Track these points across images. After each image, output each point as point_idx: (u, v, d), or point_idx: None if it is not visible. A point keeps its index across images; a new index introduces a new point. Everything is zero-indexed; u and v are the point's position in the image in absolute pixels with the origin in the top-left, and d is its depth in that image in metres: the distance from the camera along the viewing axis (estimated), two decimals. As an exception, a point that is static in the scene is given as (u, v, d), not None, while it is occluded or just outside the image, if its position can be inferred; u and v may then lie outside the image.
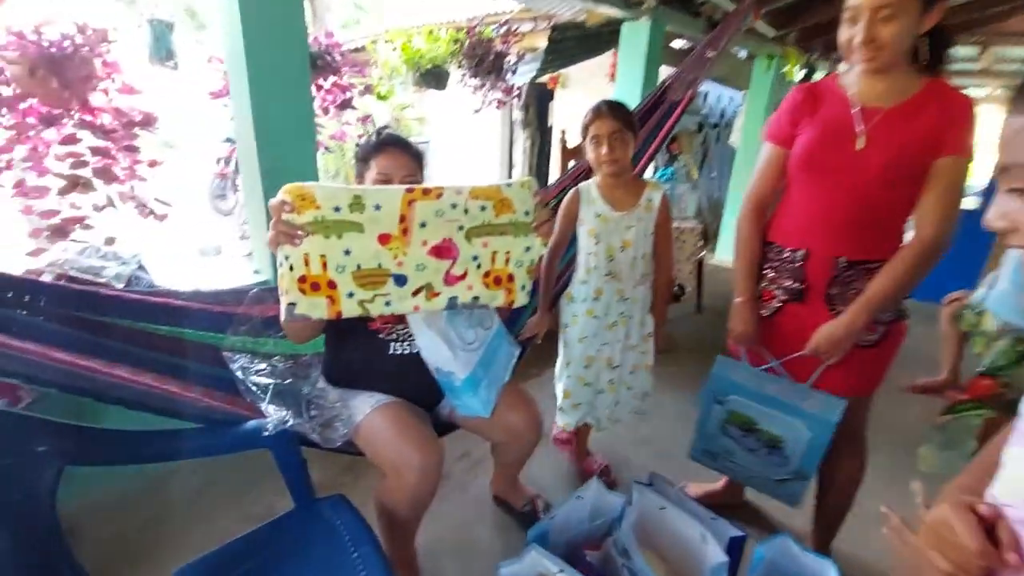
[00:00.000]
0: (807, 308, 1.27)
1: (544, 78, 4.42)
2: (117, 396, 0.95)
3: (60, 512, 1.57)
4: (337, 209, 0.95)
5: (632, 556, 1.16)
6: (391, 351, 1.34)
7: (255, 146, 1.77)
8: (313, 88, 2.37)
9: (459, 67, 2.94)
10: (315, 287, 0.94)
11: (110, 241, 1.93)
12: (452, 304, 1.10)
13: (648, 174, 2.81)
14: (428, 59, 2.82)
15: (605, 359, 1.67)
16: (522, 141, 4.73)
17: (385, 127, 1.37)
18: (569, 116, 5.23)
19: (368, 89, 2.72)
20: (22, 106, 1.72)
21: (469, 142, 7.91)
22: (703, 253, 3.28)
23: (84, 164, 1.81)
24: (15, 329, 0.96)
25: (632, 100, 2.48)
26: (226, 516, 1.66)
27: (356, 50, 3.45)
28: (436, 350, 1.25)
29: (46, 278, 1.59)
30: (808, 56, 4.37)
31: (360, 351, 1.35)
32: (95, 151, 1.82)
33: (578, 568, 1.20)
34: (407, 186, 1.02)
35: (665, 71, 2.78)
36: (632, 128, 1.50)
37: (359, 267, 0.98)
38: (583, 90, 5.29)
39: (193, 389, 1.25)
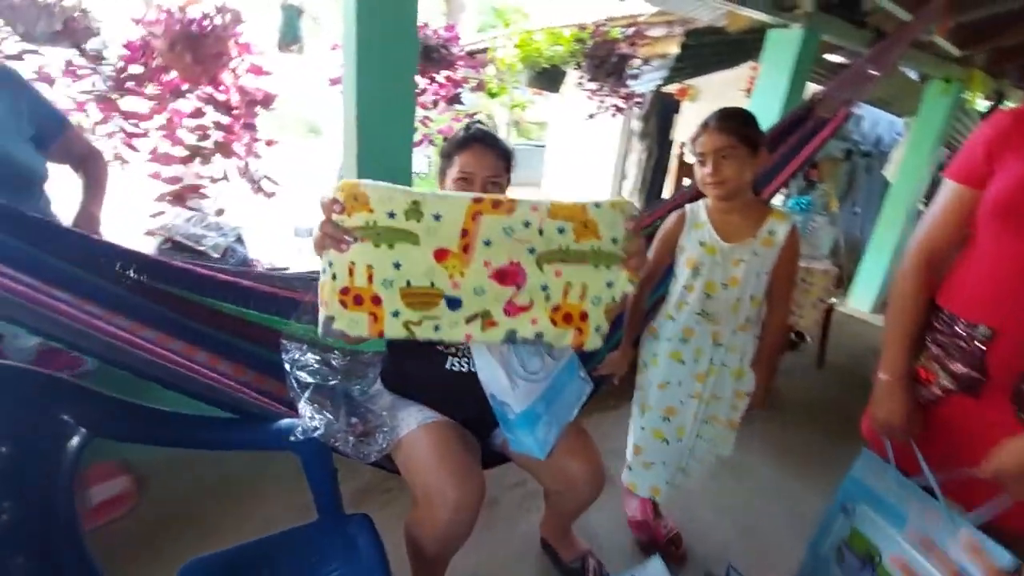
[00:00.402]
0: (983, 406, 0.94)
1: (671, 88, 4.12)
2: (157, 374, 0.92)
3: (133, 461, 1.71)
4: (392, 215, 0.83)
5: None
6: (448, 365, 1.22)
7: (355, 133, 1.76)
8: (425, 80, 2.36)
9: (577, 68, 2.78)
10: (358, 301, 0.82)
11: (220, 212, 2.04)
12: (511, 337, 0.93)
13: (776, 201, 2.45)
14: (546, 58, 2.69)
15: (691, 413, 1.41)
16: (637, 153, 4.45)
17: (476, 121, 1.24)
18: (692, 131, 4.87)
19: (480, 86, 2.67)
20: (164, 78, 1.86)
21: (585, 149, 7.75)
22: (833, 300, 2.82)
23: (207, 137, 1.93)
24: (78, 290, 0.97)
25: (770, 118, 2.15)
26: (275, 501, 1.65)
27: (479, 51, 3.43)
28: (493, 375, 1.10)
29: (155, 240, 1.70)
30: (998, 82, 3.62)
31: (417, 360, 1.25)
32: (218, 126, 1.93)
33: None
34: (474, 195, 0.87)
35: (810, 89, 2.41)
36: (751, 143, 1.23)
37: (409, 284, 0.85)
38: (715, 103, 4.88)
39: (246, 372, 1.23)
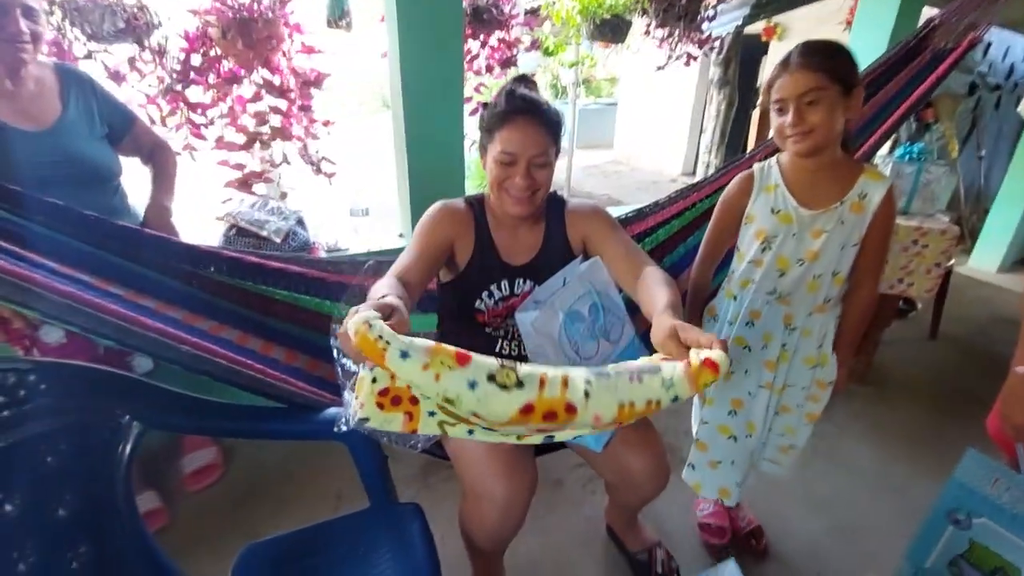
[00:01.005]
0: None
1: (755, 27, 3.68)
2: (205, 368, 0.93)
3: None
4: (425, 397, 0.72)
5: None
6: (498, 348, 1.15)
7: (402, 107, 1.70)
8: (477, 44, 2.24)
9: (643, 15, 2.53)
10: (395, 402, 0.72)
11: (284, 196, 2.09)
12: (549, 438, 0.82)
13: (883, 151, 2.11)
14: (607, 7, 2.46)
15: (762, 406, 1.24)
16: (716, 103, 4.05)
17: (518, 86, 1.05)
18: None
19: (535, 44, 2.50)
20: (222, 67, 1.89)
21: (659, 104, 7.26)
22: (952, 261, 2.43)
23: (266, 123, 1.96)
24: (138, 285, 1.01)
25: (873, 52, 1.82)
26: (346, 475, 1.69)
27: (533, 9, 3.23)
28: (544, 360, 1.02)
29: (223, 227, 1.76)
30: None
31: (466, 344, 1.19)
32: (274, 110, 1.95)
33: None
34: (523, 402, 0.69)
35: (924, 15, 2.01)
36: (843, 82, 0.99)
37: (450, 402, 0.75)
38: (807, 41, 4.33)
39: (299, 358, 1.24)
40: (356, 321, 0.65)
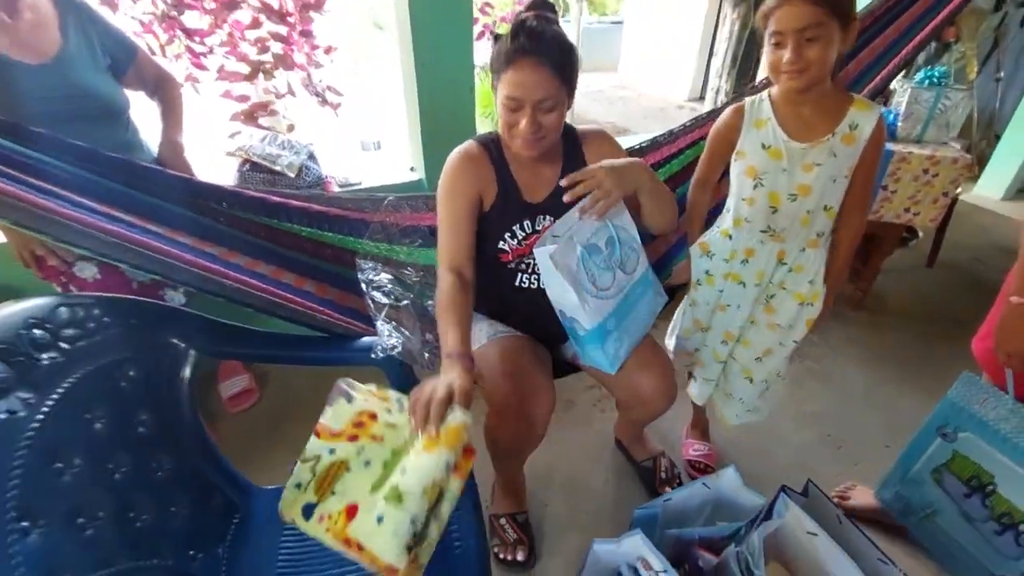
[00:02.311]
0: None
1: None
2: (247, 301, 0.99)
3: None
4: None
5: (757, 577, 0.97)
6: (518, 282, 1.20)
7: (410, 31, 1.64)
8: (483, -39, 2.12)
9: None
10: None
11: (291, 128, 2.06)
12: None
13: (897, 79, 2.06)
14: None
15: (755, 323, 1.31)
16: (728, 23, 3.84)
17: (524, 21, 0.98)
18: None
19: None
20: (219, -10, 1.81)
21: (669, 24, 6.87)
22: (959, 189, 2.43)
23: (267, 50, 1.90)
24: (173, 224, 1.04)
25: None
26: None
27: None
28: (561, 292, 1.07)
29: (235, 161, 1.76)
30: None
31: (487, 276, 1.23)
32: (275, 36, 1.88)
33: (686, 570, 1.05)
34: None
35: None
36: (844, 15, 0.96)
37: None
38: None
39: (329, 291, 1.30)
40: (458, 425, 0.80)
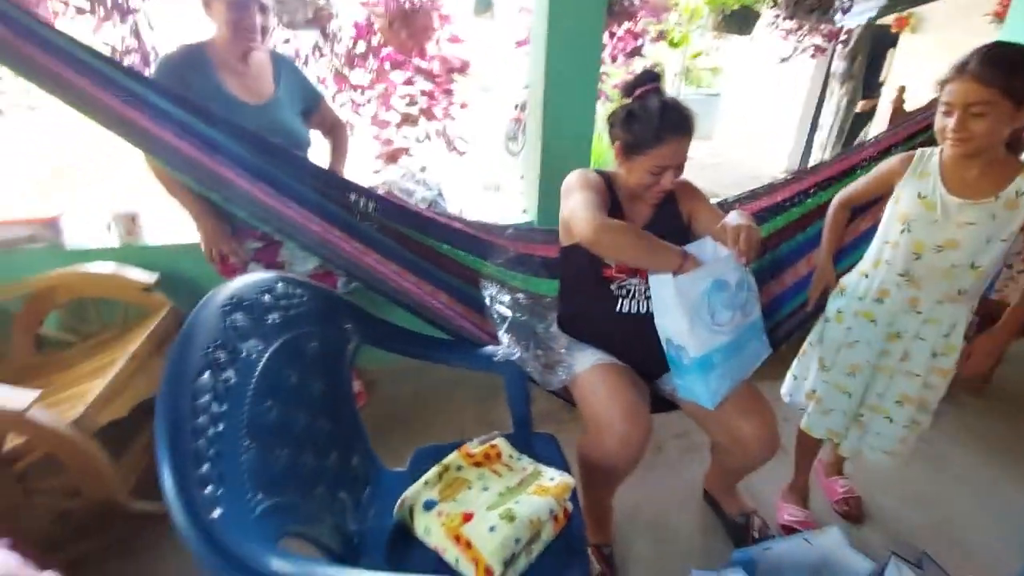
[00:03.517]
0: None
1: (888, 18, 3.49)
2: (402, 300, 1.17)
3: (368, 367, 2.12)
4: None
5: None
6: (619, 308, 1.28)
7: (542, 93, 1.87)
8: (605, 36, 2.35)
9: (773, 6, 2.52)
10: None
11: (423, 169, 2.34)
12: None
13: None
14: (737, -1, 2.48)
15: (888, 368, 1.29)
16: (836, 98, 3.88)
17: (665, 102, 1.17)
18: (912, 70, 4.03)
19: (661, 35, 2.57)
20: (382, 54, 2.16)
21: (767, 97, 6.96)
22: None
23: (414, 103, 2.21)
24: (349, 231, 1.26)
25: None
26: (466, 413, 1.96)
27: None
28: (672, 319, 1.14)
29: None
30: None
31: (590, 303, 1.33)
32: (424, 93, 2.19)
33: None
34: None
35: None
36: (1017, 97, 0.99)
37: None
38: (942, 35, 4.00)
39: (456, 305, 1.46)
40: (567, 482, 1.02)
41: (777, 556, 1.16)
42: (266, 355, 0.86)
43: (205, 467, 0.66)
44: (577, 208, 1.16)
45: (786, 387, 1.53)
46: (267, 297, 0.91)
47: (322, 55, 2.10)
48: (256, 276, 0.93)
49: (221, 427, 0.72)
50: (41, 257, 1.69)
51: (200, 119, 1.14)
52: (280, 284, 0.96)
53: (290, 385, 0.91)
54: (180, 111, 1.12)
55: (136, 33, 1.81)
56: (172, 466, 0.63)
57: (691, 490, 1.67)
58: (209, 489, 0.65)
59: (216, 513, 0.64)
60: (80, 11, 1.73)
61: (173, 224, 1.82)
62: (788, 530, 1.52)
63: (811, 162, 5.20)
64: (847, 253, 1.55)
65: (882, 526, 1.58)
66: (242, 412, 0.77)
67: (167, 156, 1.10)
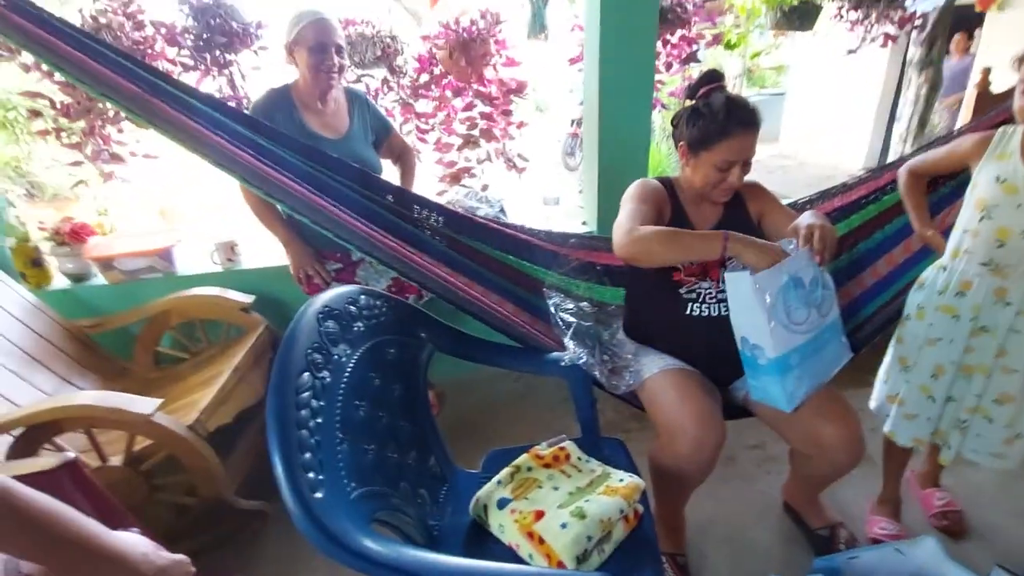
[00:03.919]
0: None
1: (970, -2, 3.25)
2: (471, 310, 1.24)
3: (438, 380, 2.22)
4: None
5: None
6: (689, 311, 1.27)
7: (596, 107, 1.92)
8: (659, 44, 2.37)
9: None
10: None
11: (485, 187, 2.44)
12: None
13: None
14: (796, -6, 2.42)
15: (983, 367, 1.21)
16: (914, 87, 3.63)
17: (728, 97, 1.19)
18: (1002, 50, 3.69)
19: (716, 39, 2.54)
20: (443, 82, 2.30)
21: (836, 93, 6.62)
22: None
23: (475, 126, 2.32)
24: (421, 247, 1.36)
25: None
26: (533, 422, 2.01)
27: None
28: (750, 316, 1.11)
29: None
30: None
31: (658, 308, 1.33)
32: (483, 116, 2.30)
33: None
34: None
35: None
36: None
37: None
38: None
39: (521, 314, 1.52)
40: (637, 483, 1.05)
41: (865, 566, 1.10)
42: (354, 359, 0.95)
43: (307, 455, 0.75)
44: (617, 225, 1.21)
45: (874, 395, 1.46)
46: (353, 307, 1.01)
47: (390, 88, 2.26)
48: (343, 289, 1.03)
49: (320, 420, 0.80)
50: (157, 284, 1.93)
51: (293, 153, 1.29)
52: (363, 296, 1.06)
53: (374, 387, 0.99)
54: (276, 147, 1.27)
55: (231, 83, 2.04)
56: (281, 453, 0.72)
57: (768, 502, 1.61)
58: (311, 474, 0.74)
59: (318, 495, 0.72)
60: (186, 67, 1.98)
61: (265, 250, 2.02)
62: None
63: (891, 156, 4.88)
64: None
65: (985, 541, 1.45)
66: (336, 409, 0.86)
67: (266, 186, 1.25)
